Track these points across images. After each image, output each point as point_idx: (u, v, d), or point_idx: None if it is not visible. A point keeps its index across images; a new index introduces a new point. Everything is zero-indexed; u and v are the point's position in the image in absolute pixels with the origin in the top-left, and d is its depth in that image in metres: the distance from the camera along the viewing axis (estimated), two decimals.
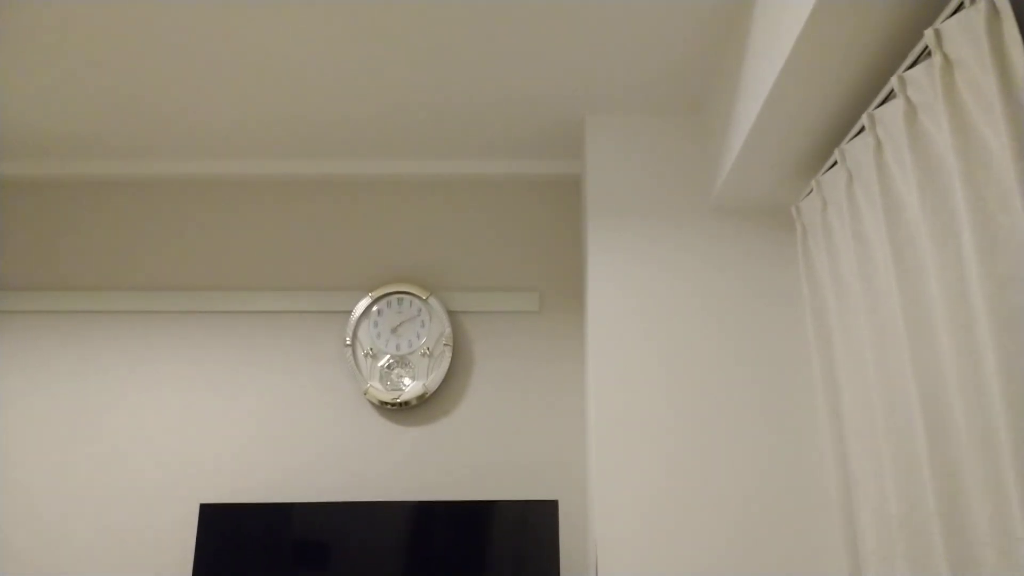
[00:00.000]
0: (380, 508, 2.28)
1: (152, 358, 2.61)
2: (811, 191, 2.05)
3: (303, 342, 2.62)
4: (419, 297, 2.61)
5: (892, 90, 1.55)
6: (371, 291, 2.63)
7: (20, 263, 2.73)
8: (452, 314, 2.62)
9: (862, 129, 1.71)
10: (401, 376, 2.55)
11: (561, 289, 2.68)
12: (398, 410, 2.53)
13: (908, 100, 1.47)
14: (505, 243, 2.74)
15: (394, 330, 2.59)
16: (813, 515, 2.05)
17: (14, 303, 2.66)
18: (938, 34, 1.33)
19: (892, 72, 1.67)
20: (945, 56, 1.32)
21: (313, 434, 2.52)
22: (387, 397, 2.50)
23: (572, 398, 2.55)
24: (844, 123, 1.89)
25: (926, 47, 1.40)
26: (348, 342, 2.57)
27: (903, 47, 1.58)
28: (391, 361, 2.56)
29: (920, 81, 1.42)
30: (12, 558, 2.42)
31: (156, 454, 2.51)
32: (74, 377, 2.59)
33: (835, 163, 1.88)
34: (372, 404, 2.54)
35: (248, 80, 2.30)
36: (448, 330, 2.57)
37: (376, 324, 2.60)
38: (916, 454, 1.46)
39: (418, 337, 2.59)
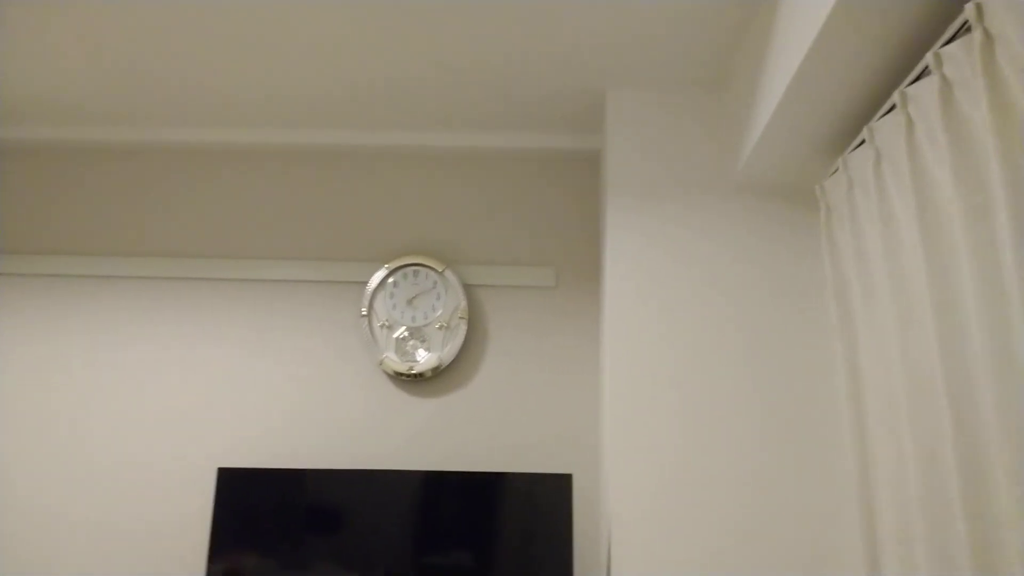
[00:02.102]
0: (393, 476, 2.29)
1: (170, 324, 2.62)
2: (836, 170, 2.02)
3: (320, 312, 2.62)
4: (435, 270, 2.61)
5: (926, 67, 1.52)
6: (387, 263, 2.62)
7: (36, 226, 2.73)
8: (468, 287, 2.61)
9: (892, 107, 1.68)
10: (416, 348, 2.54)
11: (577, 264, 2.66)
12: (413, 381, 2.53)
13: (944, 77, 1.44)
14: (522, 217, 2.72)
15: (410, 302, 2.59)
16: (829, 496, 2.04)
17: (25, 266, 2.67)
18: (980, 8, 1.30)
19: (926, 48, 1.63)
20: (986, 31, 1.29)
21: (328, 403, 2.53)
22: (402, 368, 2.50)
23: (586, 373, 2.54)
24: (873, 101, 1.85)
25: (965, 22, 1.37)
26: (364, 313, 2.56)
27: (939, 22, 1.54)
28: (406, 333, 2.56)
29: (958, 57, 1.39)
30: (29, 522, 2.44)
31: (174, 419, 2.52)
32: (90, 342, 2.60)
33: (862, 142, 1.85)
34: (387, 375, 2.54)
35: (265, 48, 2.28)
36: (464, 303, 2.57)
37: (392, 295, 2.59)
38: (940, 437, 1.45)
39: (434, 309, 2.58)
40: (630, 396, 2.15)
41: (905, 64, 1.69)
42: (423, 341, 2.55)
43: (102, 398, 2.55)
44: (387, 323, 2.56)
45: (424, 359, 2.52)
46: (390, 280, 2.61)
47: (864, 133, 1.81)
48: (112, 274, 2.66)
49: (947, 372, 1.40)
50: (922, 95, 1.54)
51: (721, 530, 2.03)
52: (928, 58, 1.47)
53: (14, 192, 2.77)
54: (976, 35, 1.30)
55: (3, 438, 2.51)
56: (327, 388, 2.54)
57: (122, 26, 2.20)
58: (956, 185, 1.37)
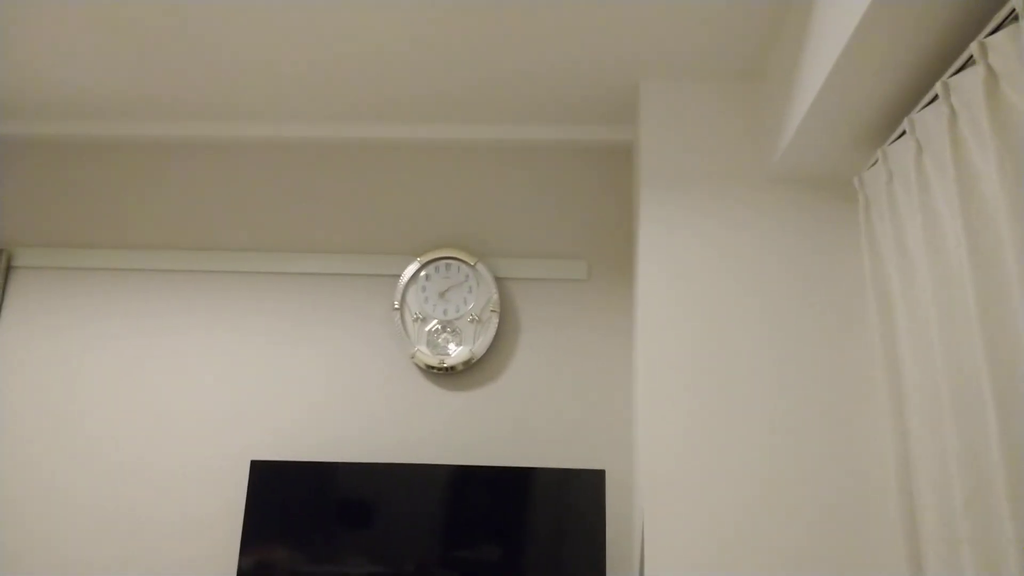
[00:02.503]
0: (425, 470, 2.29)
1: (203, 318, 2.64)
2: (876, 162, 1.99)
3: (352, 305, 2.63)
4: (467, 263, 2.60)
5: (970, 57, 1.48)
6: (419, 256, 2.63)
7: (68, 219, 2.77)
8: (499, 280, 2.61)
9: (934, 98, 1.65)
10: (448, 341, 2.55)
11: (609, 257, 2.65)
12: (444, 374, 2.53)
13: (989, 67, 1.41)
14: (554, 210, 2.71)
15: (442, 295, 2.59)
16: (869, 495, 2.01)
17: (57, 259, 2.72)
18: None
19: (970, 38, 1.60)
20: None
21: (360, 396, 2.54)
22: (434, 361, 2.51)
23: (619, 367, 2.53)
24: (914, 92, 1.82)
25: (1012, 10, 1.33)
26: (396, 306, 2.57)
27: (984, 11, 1.51)
28: (438, 326, 2.56)
29: (1004, 47, 1.36)
30: (65, 514, 2.48)
31: (208, 412, 2.55)
32: (122, 336, 2.63)
33: (903, 133, 1.82)
34: (419, 368, 2.54)
35: (299, 43, 2.28)
36: (495, 296, 2.56)
37: (424, 289, 2.60)
38: (984, 435, 1.42)
39: (465, 303, 2.58)
40: (663, 390, 2.13)
41: (948, 54, 1.66)
42: (455, 334, 2.55)
43: (134, 392, 2.58)
44: (419, 316, 2.57)
45: (455, 352, 2.52)
46: (422, 273, 2.61)
47: (904, 124, 1.77)
48: (146, 267, 2.69)
49: (992, 368, 1.37)
50: (966, 85, 1.50)
51: (757, 528, 2.01)
52: (973, 48, 1.44)
53: (76, 185, 2.82)
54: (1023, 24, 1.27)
55: (37, 432, 2.55)
56: (359, 381, 2.55)
57: (143, 13, 2.22)
58: (1002, 178, 1.34)
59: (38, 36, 2.30)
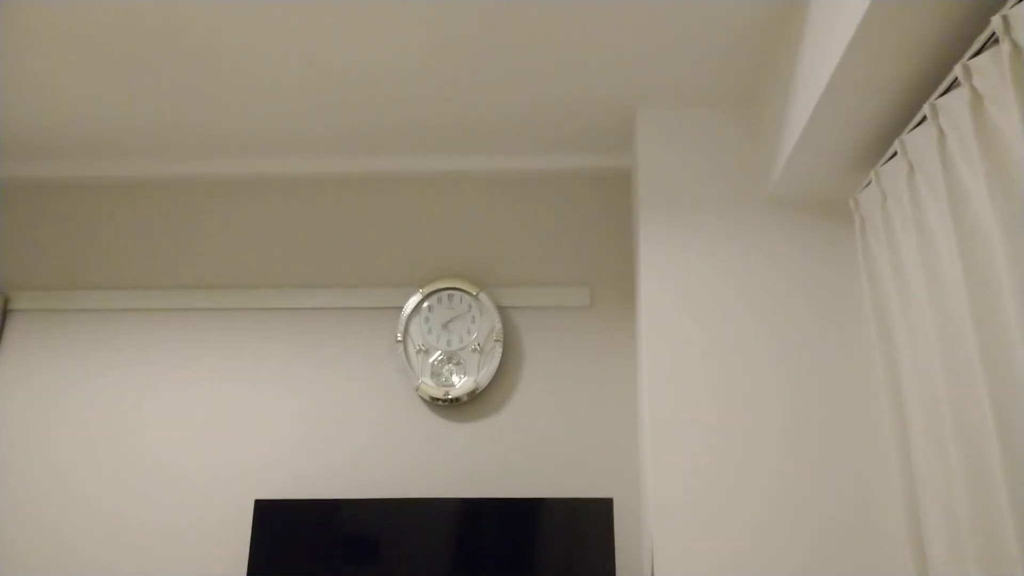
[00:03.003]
0: (431, 505, 2.29)
1: (206, 355, 2.65)
2: (870, 182, 2.00)
3: (355, 338, 2.65)
4: (469, 293, 2.62)
5: (955, 79, 1.51)
6: (422, 287, 2.64)
7: (65, 261, 2.80)
8: (502, 309, 2.62)
9: (923, 119, 1.67)
10: (452, 372, 2.56)
11: (612, 284, 2.66)
12: (449, 406, 2.54)
13: (973, 89, 1.43)
14: (555, 238, 2.73)
15: (445, 326, 2.60)
16: (876, 515, 2.00)
17: (54, 302, 2.73)
18: (1006, 20, 1.29)
19: (954, 61, 1.62)
20: (1014, 43, 1.28)
21: (365, 430, 2.54)
22: (438, 393, 2.51)
23: (624, 394, 2.53)
24: (904, 113, 1.84)
25: (992, 34, 1.35)
26: (399, 338, 2.58)
27: (967, 34, 1.53)
28: (442, 357, 2.57)
29: (987, 69, 1.38)
30: (66, 556, 2.47)
31: (210, 451, 2.55)
32: (124, 375, 2.64)
33: (895, 154, 1.84)
34: (423, 400, 2.55)
35: (296, 77, 2.32)
36: (499, 326, 2.58)
37: (427, 320, 2.61)
38: (987, 453, 1.42)
39: (469, 333, 2.59)
40: (669, 415, 2.13)
41: (934, 76, 1.69)
42: (459, 365, 2.56)
43: (135, 433, 2.57)
44: (423, 348, 2.58)
45: (460, 383, 2.53)
46: (425, 305, 2.63)
47: (896, 145, 1.79)
48: (144, 307, 2.70)
49: (991, 384, 1.37)
50: (953, 107, 1.52)
51: (766, 554, 2.00)
52: (957, 70, 1.46)
53: (71, 227, 2.85)
54: (1004, 47, 1.29)
55: (35, 477, 2.54)
56: (364, 416, 2.56)
57: (142, 52, 2.26)
58: (991, 195, 1.36)
59: (34, 78, 2.34)
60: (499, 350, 2.56)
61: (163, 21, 2.06)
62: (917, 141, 1.70)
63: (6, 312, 2.73)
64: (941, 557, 1.60)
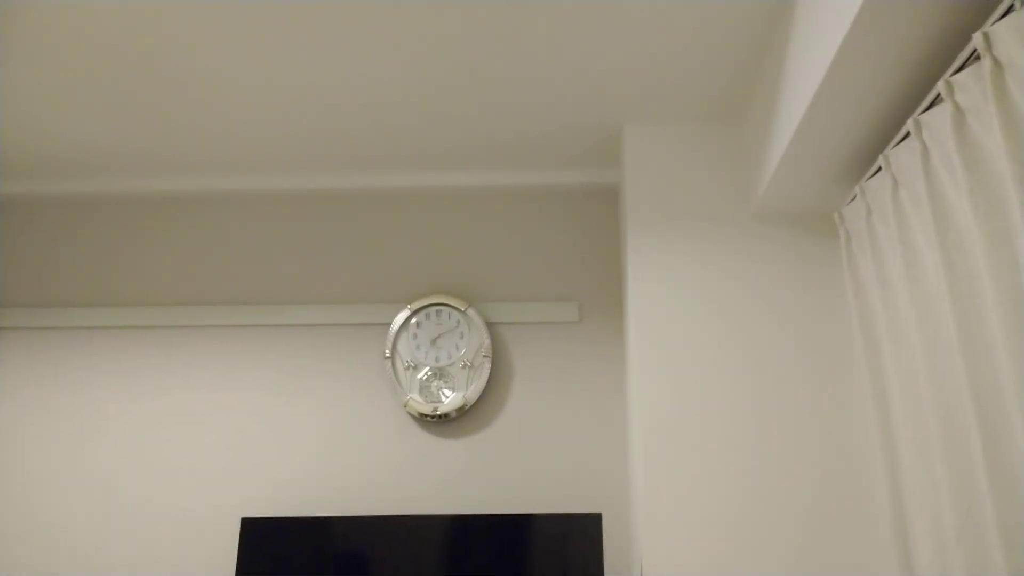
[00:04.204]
0: (420, 522, 2.28)
1: (193, 372, 2.64)
2: (855, 197, 2.03)
3: (343, 355, 2.64)
4: (458, 309, 2.62)
5: (938, 95, 1.53)
6: (410, 303, 2.64)
7: (54, 278, 2.78)
8: (491, 325, 2.62)
9: (907, 135, 1.69)
10: (441, 388, 2.55)
11: (600, 299, 2.67)
12: (438, 422, 2.53)
13: (956, 104, 1.45)
14: (543, 253, 2.74)
15: (433, 342, 2.60)
16: (863, 526, 2.01)
17: (44, 319, 2.71)
18: (987, 37, 1.31)
19: (937, 77, 1.64)
20: (995, 60, 1.30)
21: (353, 447, 2.53)
22: (427, 409, 2.51)
23: (613, 409, 2.54)
24: (888, 129, 1.86)
25: (974, 51, 1.38)
26: (388, 354, 2.58)
27: (949, 51, 1.56)
28: (430, 373, 2.57)
29: (968, 85, 1.40)
30: (52, 575, 2.45)
31: (197, 469, 2.53)
32: (114, 393, 2.62)
33: (879, 169, 1.86)
34: (412, 416, 2.54)
35: (284, 94, 2.33)
36: (487, 341, 2.58)
37: (415, 336, 2.61)
38: (972, 465, 1.43)
39: (457, 349, 2.59)
40: (657, 430, 2.14)
41: (917, 92, 1.71)
42: (447, 381, 2.56)
43: (124, 451, 2.56)
44: (411, 364, 2.58)
45: (449, 399, 2.53)
46: (413, 321, 2.63)
47: (880, 161, 1.81)
48: (133, 324, 2.69)
49: (976, 397, 1.38)
50: (936, 123, 1.54)
51: (756, 568, 2.00)
52: (940, 86, 1.48)
53: (61, 244, 2.83)
54: (985, 63, 1.31)
55: (28, 493, 2.53)
56: (352, 432, 2.55)
57: (128, 67, 2.26)
58: (975, 210, 1.37)
59: (18, 96, 2.34)
60: (487, 366, 2.56)
61: (148, 39, 2.06)
62: (901, 156, 1.72)
63: None
64: (928, 566, 1.61)
